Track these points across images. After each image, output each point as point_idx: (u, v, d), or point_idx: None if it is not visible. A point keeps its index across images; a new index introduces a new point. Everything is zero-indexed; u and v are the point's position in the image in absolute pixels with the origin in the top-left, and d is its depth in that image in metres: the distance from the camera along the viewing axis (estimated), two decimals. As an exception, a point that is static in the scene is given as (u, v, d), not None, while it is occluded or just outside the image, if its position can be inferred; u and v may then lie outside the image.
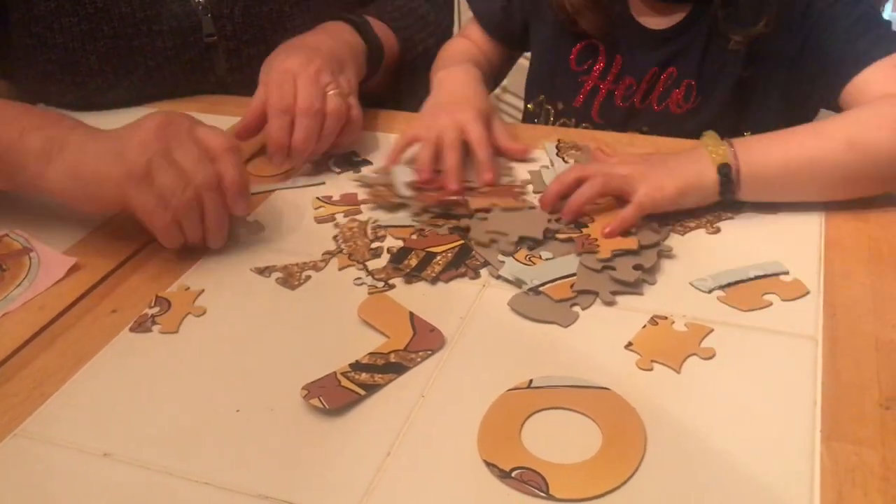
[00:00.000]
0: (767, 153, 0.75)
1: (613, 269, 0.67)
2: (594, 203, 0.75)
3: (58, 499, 0.51)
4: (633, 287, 0.66)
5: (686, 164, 0.75)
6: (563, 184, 0.76)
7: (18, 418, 0.57)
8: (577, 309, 0.65)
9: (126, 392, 0.59)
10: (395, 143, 0.87)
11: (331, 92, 0.84)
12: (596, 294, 0.66)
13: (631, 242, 0.70)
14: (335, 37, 0.94)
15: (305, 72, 0.84)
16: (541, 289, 0.66)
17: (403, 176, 0.83)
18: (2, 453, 0.54)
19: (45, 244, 0.75)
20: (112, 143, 0.70)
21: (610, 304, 0.65)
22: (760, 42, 0.91)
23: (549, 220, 0.74)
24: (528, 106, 1.09)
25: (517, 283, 0.67)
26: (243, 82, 1.04)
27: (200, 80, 1.04)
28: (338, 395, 0.57)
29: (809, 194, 0.76)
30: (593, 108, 1.00)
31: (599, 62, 0.99)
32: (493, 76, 1.09)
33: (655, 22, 0.95)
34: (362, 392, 0.57)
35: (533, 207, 0.77)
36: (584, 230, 0.73)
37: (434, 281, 0.69)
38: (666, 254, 0.70)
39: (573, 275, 0.68)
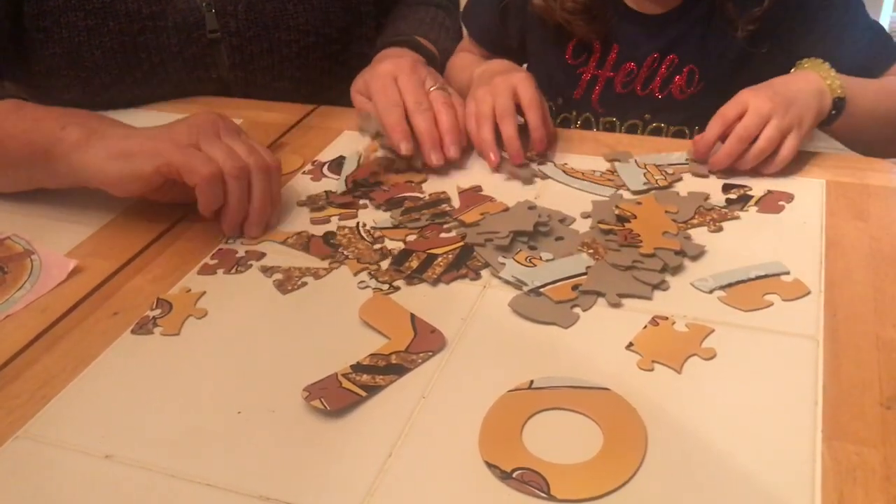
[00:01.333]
0: (858, 93, 0.84)
1: (636, 268, 0.68)
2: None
3: (60, 500, 0.51)
4: (646, 291, 0.66)
5: (810, 97, 0.82)
6: (726, 123, 0.80)
7: (21, 420, 0.57)
8: (577, 310, 0.65)
9: (128, 394, 0.59)
10: (464, 123, 0.88)
11: (432, 88, 0.88)
12: (600, 295, 0.66)
13: (674, 243, 0.70)
14: (403, 54, 0.96)
15: (403, 70, 0.88)
16: (541, 290, 0.66)
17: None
18: (4, 455, 0.54)
19: (47, 247, 0.75)
20: (157, 129, 0.74)
21: (616, 305, 0.65)
22: (768, 22, 0.92)
23: (539, 216, 0.75)
24: None
25: (518, 284, 0.67)
26: (245, 80, 1.05)
27: (203, 76, 1.04)
28: (339, 396, 0.57)
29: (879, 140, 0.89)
30: (593, 98, 1.01)
31: (595, 52, 1.00)
32: None
33: (651, 8, 0.96)
34: (363, 393, 0.57)
35: (533, 207, 0.77)
36: (627, 225, 0.73)
37: (435, 282, 0.69)
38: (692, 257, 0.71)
39: (574, 276, 0.68)
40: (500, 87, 0.86)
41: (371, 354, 0.61)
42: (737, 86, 0.95)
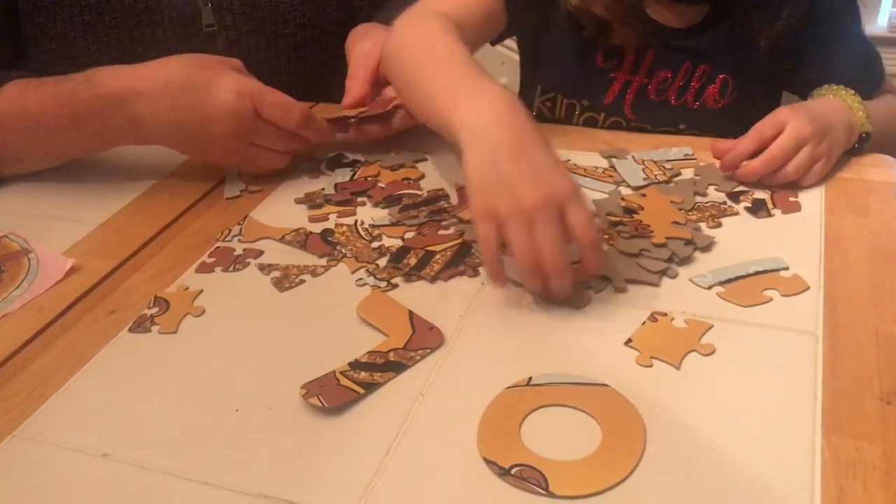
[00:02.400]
0: (877, 121, 0.84)
1: (643, 257, 0.68)
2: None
3: (57, 499, 0.51)
4: (653, 278, 0.66)
5: (842, 129, 0.81)
6: (762, 140, 0.78)
7: (18, 419, 0.57)
8: (590, 292, 0.64)
9: (125, 392, 0.59)
10: (484, 246, 0.63)
11: None
12: (607, 280, 0.66)
13: (685, 232, 0.71)
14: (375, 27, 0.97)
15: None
16: None
17: None
18: (1, 454, 0.54)
19: (44, 245, 0.75)
20: (190, 131, 0.80)
21: (621, 290, 0.65)
22: (789, 35, 0.92)
23: None
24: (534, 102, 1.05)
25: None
26: None
27: None
28: (337, 393, 0.57)
29: None
30: (626, 103, 0.97)
31: (629, 56, 0.95)
32: None
33: (674, 21, 0.94)
34: (361, 391, 0.57)
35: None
36: (635, 216, 0.73)
37: (433, 279, 0.69)
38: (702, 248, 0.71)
39: (578, 261, 0.65)
40: (543, 214, 0.60)
41: (369, 352, 0.60)
42: (770, 95, 0.95)
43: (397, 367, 0.59)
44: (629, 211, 0.75)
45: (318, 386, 0.57)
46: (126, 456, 0.53)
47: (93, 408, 0.58)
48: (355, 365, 0.59)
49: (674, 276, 0.67)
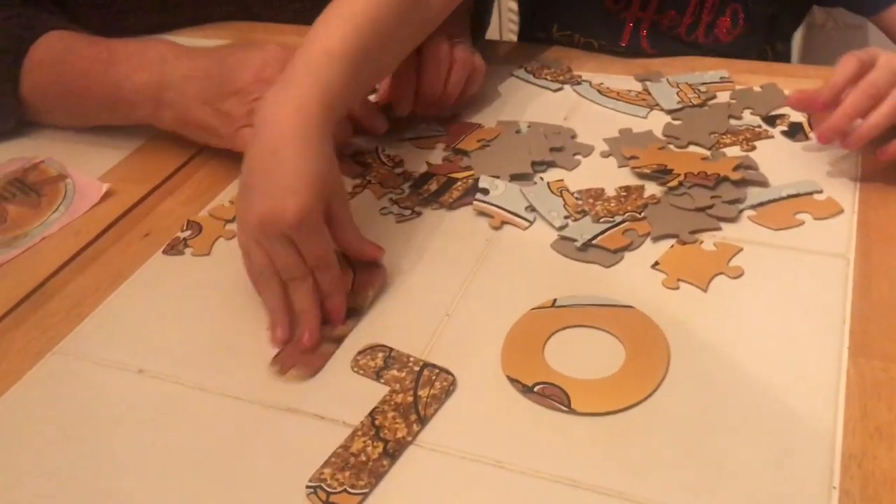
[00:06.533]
0: None
1: (711, 206, 0.65)
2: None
3: (95, 412, 0.53)
4: (716, 223, 0.64)
5: None
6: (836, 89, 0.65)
7: (57, 337, 0.59)
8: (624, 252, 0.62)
9: (159, 311, 0.61)
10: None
11: (458, 41, 0.82)
12: (672, 237, 0.63)
13: (743, 159, 0.69)
14: None
15: None
16: (594, 242, 0.63)
17: None
18: (42, 370, 0.56)
19: (80, 171, 0.76)
20: (211, 86, 0.72)
21: (692, 242, 0.62)
22: None
23: (530, 152, 0.72)
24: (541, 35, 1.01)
25: (568, 239, 0.63)
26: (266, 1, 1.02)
27: None
28: (313, 359, 0.55)
29: None
30: (642, 39, 0.94)
31: None
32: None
33: None
34: (333, 347, 0.56)
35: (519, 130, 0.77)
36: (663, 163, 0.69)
37: (451, 206, 0.68)
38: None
39: (622, 222, 0.64)
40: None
41: None
42: (781, 21, 0.91)
43: (352, 314, 0.58)
44: (663, 173, 0.69)
45: (289, 357, 0.55)
46: (160, 371, 0.55)
47: (128, 326, 0.59)
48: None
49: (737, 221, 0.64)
